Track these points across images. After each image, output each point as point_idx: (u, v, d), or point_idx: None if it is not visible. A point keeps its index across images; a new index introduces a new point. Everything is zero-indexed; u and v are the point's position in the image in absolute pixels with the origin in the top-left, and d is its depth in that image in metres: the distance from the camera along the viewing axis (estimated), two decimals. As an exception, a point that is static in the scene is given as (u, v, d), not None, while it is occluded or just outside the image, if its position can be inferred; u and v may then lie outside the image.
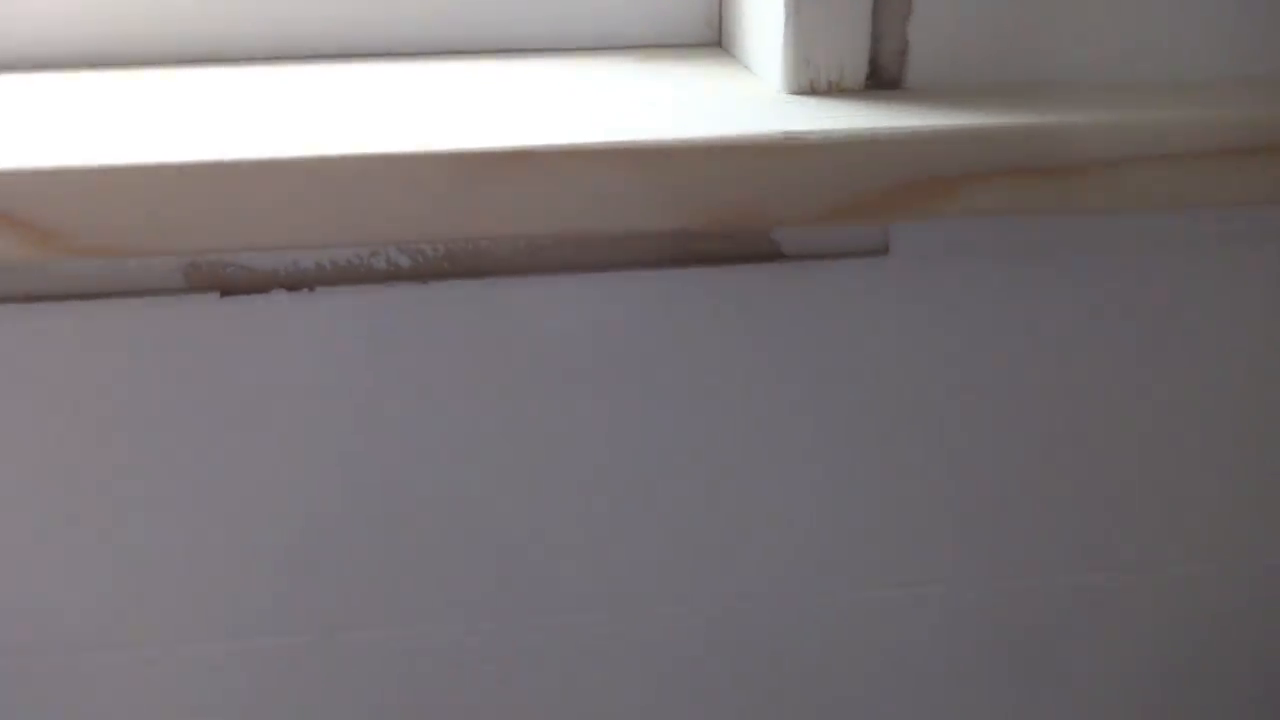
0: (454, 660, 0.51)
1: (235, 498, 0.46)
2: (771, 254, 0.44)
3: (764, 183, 0.35)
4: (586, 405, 0.46)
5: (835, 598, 0.51)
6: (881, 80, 0.40)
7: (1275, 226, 0.45)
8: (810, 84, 0.39)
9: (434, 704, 0.52)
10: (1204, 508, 0.51)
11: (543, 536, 0.48)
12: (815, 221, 0.35)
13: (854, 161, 0.35)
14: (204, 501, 0.46)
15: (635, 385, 0.46)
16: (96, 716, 0.50)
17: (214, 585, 0.48)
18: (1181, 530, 0.52)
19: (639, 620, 0.51)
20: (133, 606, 0.48)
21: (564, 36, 0.48)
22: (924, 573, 0.51)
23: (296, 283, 0.43)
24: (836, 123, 0.35)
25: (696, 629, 0.51)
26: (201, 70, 0.45)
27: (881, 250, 0.44)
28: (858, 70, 0.39)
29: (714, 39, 0.49)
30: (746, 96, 0.39)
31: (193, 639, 0.48)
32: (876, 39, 0.39)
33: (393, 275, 0.43)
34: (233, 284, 0.43)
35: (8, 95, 0.42)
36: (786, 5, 0.37)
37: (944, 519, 0.50)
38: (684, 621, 0.51)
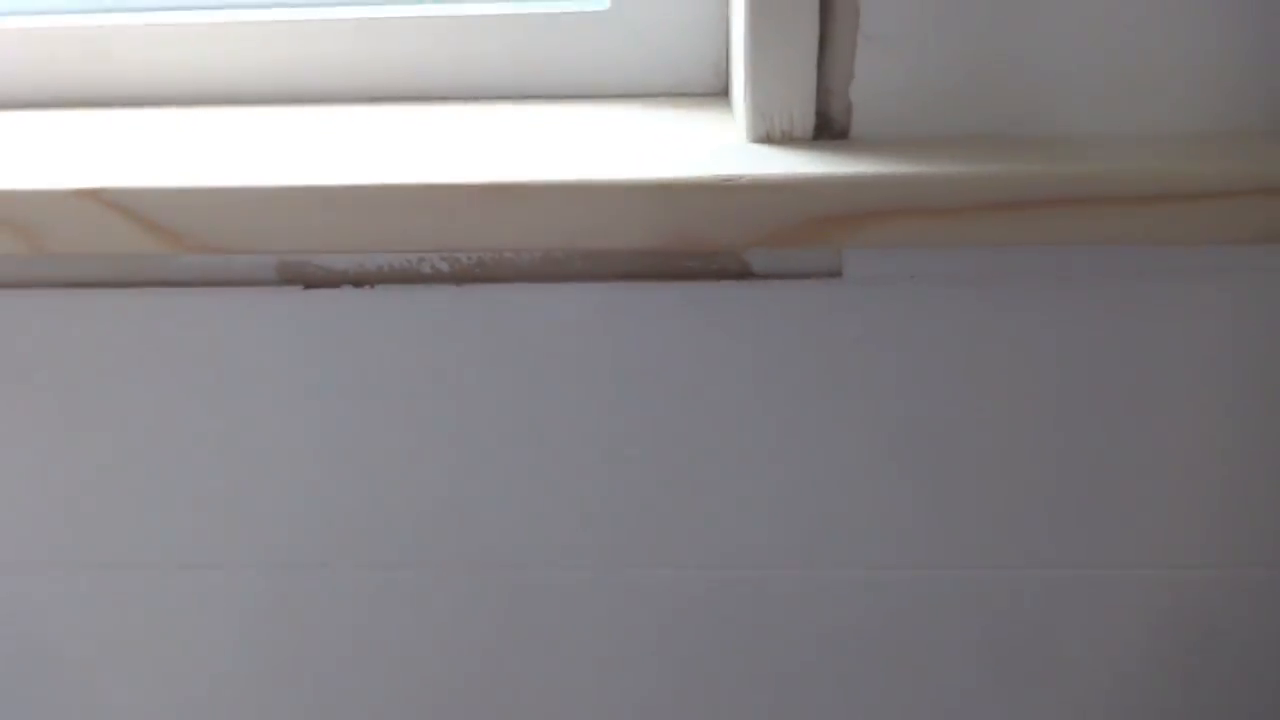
0: (470, 604, 0.60)
1: (307, 444, 0.57)
2: (744, 272, 0.51)
3: (706, 214, 0.43)
4: (586, 389, 0.54)
5: (794, 574, 0.58)
6: (833, 131, 0.47)
7: (1212, 262, 0.50)
8: (767, 134, 0.46)
9: (447, 640, 0.61)
10: (1144, 510, 0.56)
11: (543, 497, 0.57)
12: (746, 246, 0.43)
13: (771, 200, 0.42)
14: (285, 444, 0.57)
15: (628, 374, 0.54)
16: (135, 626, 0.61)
17: (277, 519, 0.58)
18: (1135, 533, 0.57)
19: (627, 580, 0.59)
20: (232, 527, 0.59)
21: (589, 85, 0.56)
22: (880, 557, 0.58)
23: (361, 280, 0.53)
24: (764, 168, 0.43)
25: (677, 591, 0.59)
26: (289, 109, 0.55)
27: (836, 273, 0.51)
28: (806, 123, 0.46)
29: (723, 89, 0.57)
30: (716, 143, 0.47)
31: (250, 564, 0.59)
32: (826, 97, 0.46)
33: (435, 277, 0.53)
34: (313, 279, 0.53)
35: (138, 127, 0.53)
36: (745, 67, 0.45)
37: (901, 508, 0.57)
38: (666, 585, 0.59)
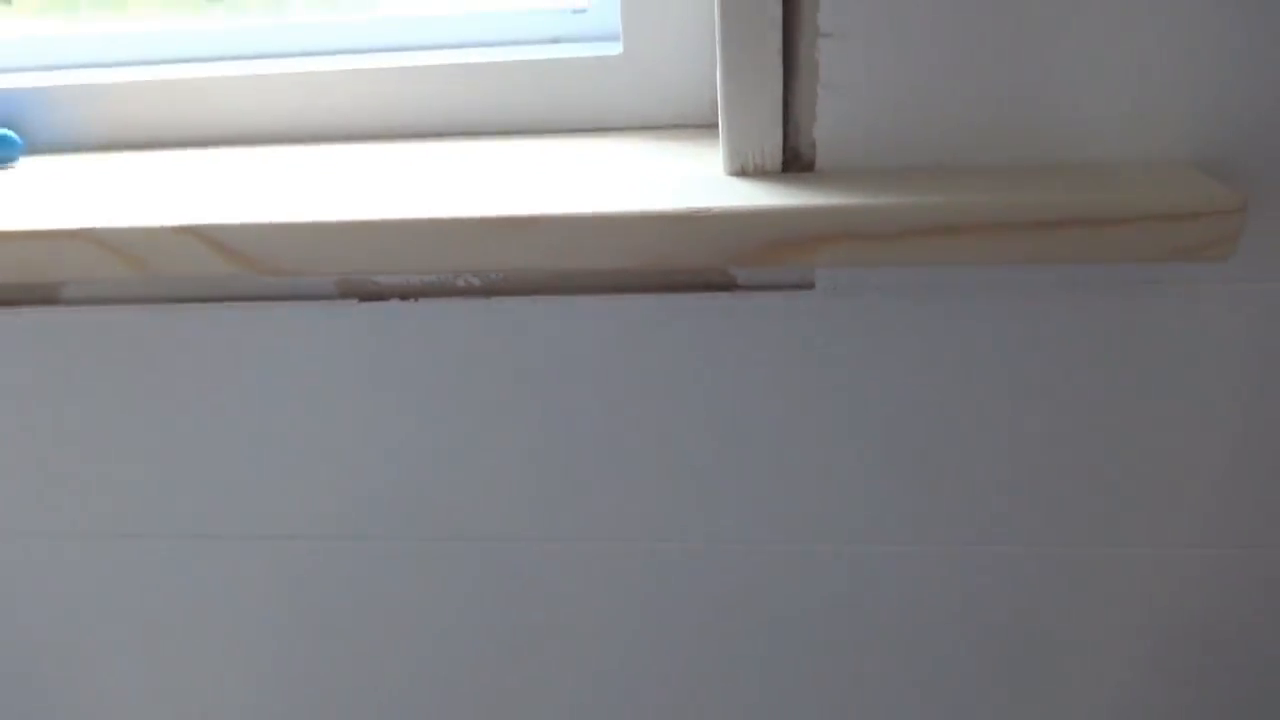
0: (492, 574, 0.68)
1: (358, 431, 0.65)
2: (730, 285, 0.59)
3: (680, 240, 0.50)
4: (597, 385, 0.62)
5: (784, 547, 0.65)
6: (801, 164, 0.54)
7: (1100, 278, 0.56)
8: (741, 167, 0.53)
9: (469, 605, 0.69)
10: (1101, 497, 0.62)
11: (559, 477, 0.65)
12: (717, 266, 0.50)
13: (733, 227, 0.49)
14: (340, 430, 0.65)
15: (631, 371, 0.61)
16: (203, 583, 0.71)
17: (330, 495, 0.67)
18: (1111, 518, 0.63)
19: (629, 553, 0.67)
20: (294, 502, 0.68)
21: (605, 119, 0.64)
22: (855, 533, 0.64)
23: (406, 293, 0.61)
24: (730, 201, 0.49)
25: (676, 561, 0.67)
26: (345, 145, 0.64)
27: (809, 285, 0.58)
28: (775, 158, 0.53)
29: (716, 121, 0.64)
30: (698, 175, 0.54)
31: (328, 534, 0.68)
32: (794, 134, 0.53)
33: (468, 291, 0.61)
34: (367, 293, 0.62)
35: (225, 165, 0.62)
36: (721, 114, 0.52)
37: (869, 487, 0.63)
38: (668, 558, 0.67)
